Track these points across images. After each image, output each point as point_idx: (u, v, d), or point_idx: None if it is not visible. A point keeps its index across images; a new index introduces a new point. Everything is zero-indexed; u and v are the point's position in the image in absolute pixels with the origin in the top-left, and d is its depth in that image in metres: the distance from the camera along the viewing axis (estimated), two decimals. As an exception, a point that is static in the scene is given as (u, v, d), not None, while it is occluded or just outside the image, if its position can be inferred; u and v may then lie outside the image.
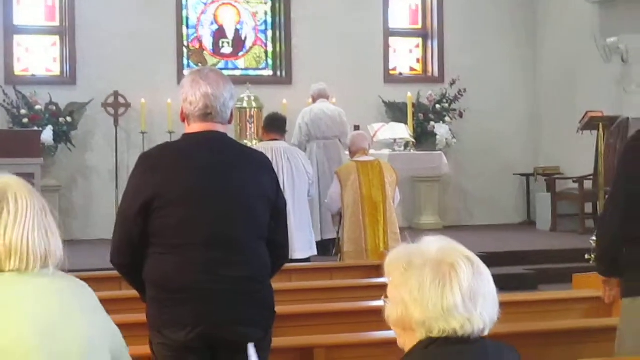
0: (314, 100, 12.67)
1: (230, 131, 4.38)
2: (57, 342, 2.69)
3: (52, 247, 2.82)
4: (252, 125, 13.59)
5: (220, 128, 4.34)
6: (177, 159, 4.28)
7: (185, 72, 14.81)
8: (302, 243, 10.37)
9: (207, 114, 4.30)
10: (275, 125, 10.80)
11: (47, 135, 13.56)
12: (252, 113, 13.68)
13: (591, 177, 14.18)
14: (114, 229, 4.32)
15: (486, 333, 2.73)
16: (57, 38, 14.96)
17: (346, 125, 12.55)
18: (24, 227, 2.77)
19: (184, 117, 4.38)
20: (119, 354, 2.93)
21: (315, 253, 10.81)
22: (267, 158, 4.56)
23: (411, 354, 2.73)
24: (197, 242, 4.15)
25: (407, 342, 2.77)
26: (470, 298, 2.68)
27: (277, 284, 4.48)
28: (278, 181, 4.54)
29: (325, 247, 11.54)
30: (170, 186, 4.17)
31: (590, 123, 12.73)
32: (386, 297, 2.83)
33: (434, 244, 2.78)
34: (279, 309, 4.43)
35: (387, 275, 2.84)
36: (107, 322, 2.91)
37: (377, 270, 8.06)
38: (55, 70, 14.98)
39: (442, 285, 2.68)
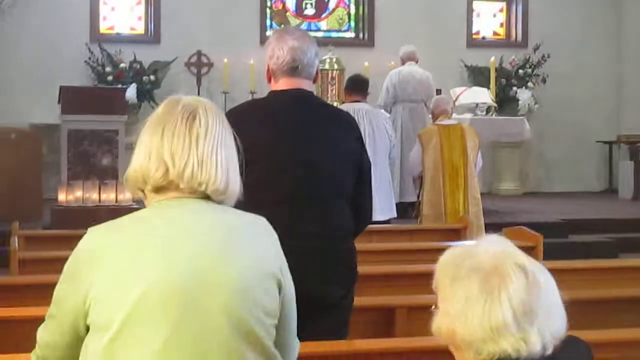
0: (403, 63, 12.61)
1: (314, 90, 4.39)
2: (202, 289, 2.60)
3: (232, 177, 2.77)
4: (334, 87, 13.58)
5: (306, 85, 4.33)
6: (263, 115, 4.28)
7: (268, 32, 14.86)
8: (382, 205, 10.32)
9: (294, 68, 4.29)
10: (358, 87, 10.77)
11: (131, 93, 13.71)
12: (334, 75, 13.66)
13: (676, 145, 13.98)
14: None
15: (549, 352, 2.35)
16: (142, -4, 15.13)
17: (433, 89, 12.47)
18: (213, 142, 2.73)
19: (270, 76, 4.38)
20: (283, 311, 2.82)
21: (395, 215, 10.79)
22: (353, 118, 4.53)
23: None
24: (282, 198, 4.15)
25: None
26: (525, 314, 2.32)
27: (357, 245, 4.48)
28: (363, 142, 4.50)
29: (405, 209, 11.53)
30: (256, 142, 4.15)
31: (677, 90, 12.52)
32: (436, 306, 2.48)
33: (488, 249, 2.42)
34: (359, 269, 4.43)
35: (436, 281, 2.49)
36: (274, 273, 2.78)
37: (457, 233, 8.07)
38: (140, 29, 15.15)
39: (490, 301, 2.33)
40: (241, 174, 2.84)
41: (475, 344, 2.34)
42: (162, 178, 2.69)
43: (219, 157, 2.73)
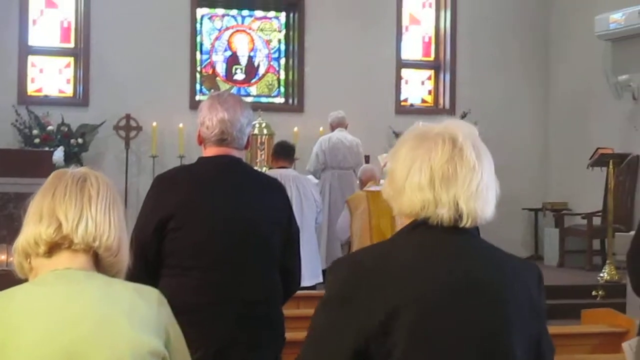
0: (332, 129, 12.68)
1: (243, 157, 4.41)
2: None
3: (124, 242, 2.73)
4: (263, 151, 13.61)
5: (235, 153, 4.35)
6: (192, 181, 4.29)
7: (198, 97, 14.88)
8: (308, 271, 10.31)
9: (223, 140, 4.31)
10: (285, 153, 10.82)
11: (58, 156, 13.55)
12: (263, 140, 13.69)
13: (600, 213, 14.18)
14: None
15: (464, 224, 2.56)
16: (71, 59, 15.03)
17: (362, 156, 12.56)
18: (106, 203, 2.69)
19: (201, 141, 4.39)
20: None
21: (321, 280, 10.78)
22: (282, 184, 4.56)
23: (393, 238, 2.59)
24: (210, 264, 4.15)
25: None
26: (442, 179, 2.51)
27: (285, 311, 4.47)
28: (291, 208, 4.54)
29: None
30: (184, 208, 4.17)
31: (600, 159, 12.72)
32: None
33: (444, 123, 2.62)
34: (287, 335, 4.42)
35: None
36: (155, 349, 2.64)
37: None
38: (68, 92, 15.03)
39: (414, 161, 2.53)
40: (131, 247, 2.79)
41: (396, 196, 2.55)
42: (55, 233, 2.62)
43: (112, 217, 2.70)
